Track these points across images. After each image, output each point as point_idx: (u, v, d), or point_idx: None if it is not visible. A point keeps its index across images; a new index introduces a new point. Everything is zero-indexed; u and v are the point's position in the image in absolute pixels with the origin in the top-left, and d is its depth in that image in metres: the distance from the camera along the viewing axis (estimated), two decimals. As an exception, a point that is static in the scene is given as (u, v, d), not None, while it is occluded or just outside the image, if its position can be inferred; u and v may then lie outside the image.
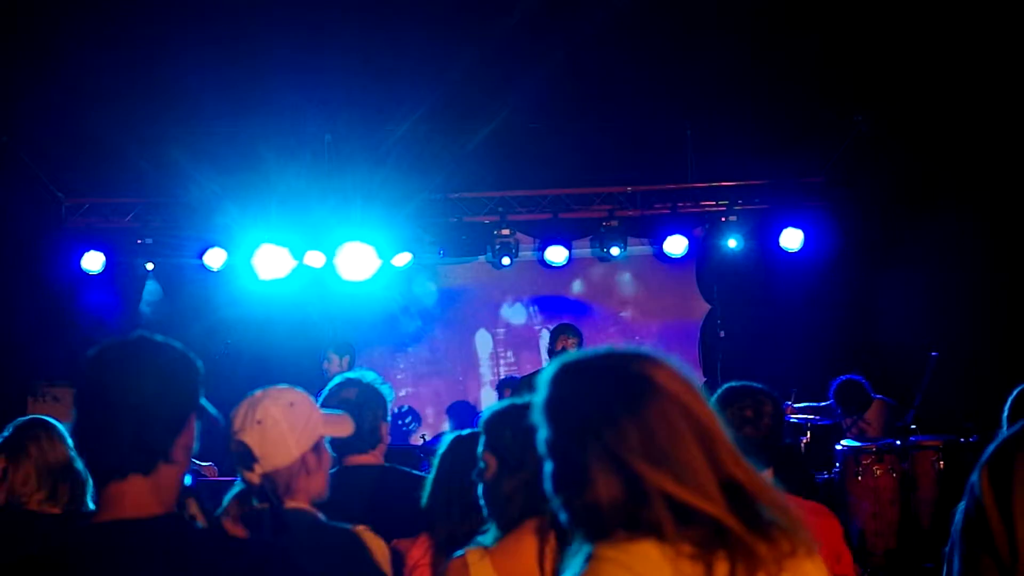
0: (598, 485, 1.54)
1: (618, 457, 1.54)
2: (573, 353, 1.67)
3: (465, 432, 2.90)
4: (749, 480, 1.59)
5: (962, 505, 2.07)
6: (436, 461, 2.82)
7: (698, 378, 1.67)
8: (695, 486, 1.54)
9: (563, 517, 1.60)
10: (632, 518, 1.53)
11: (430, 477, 2.81)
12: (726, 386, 3.06)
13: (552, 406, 1.63)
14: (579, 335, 7.16)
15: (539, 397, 1.64)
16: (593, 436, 1.56)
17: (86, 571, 1.74)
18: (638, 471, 1.53)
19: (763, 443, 2.84)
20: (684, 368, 1.66)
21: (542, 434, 1.63)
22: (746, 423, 2.94)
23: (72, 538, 1.84)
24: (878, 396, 7.76)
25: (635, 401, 1.57)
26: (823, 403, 7.89)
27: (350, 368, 6.99)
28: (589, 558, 1.55)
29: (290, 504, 2.36)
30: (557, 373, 1.65)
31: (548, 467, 1.61)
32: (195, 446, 1.90)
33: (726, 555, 1.53)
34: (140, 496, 1.79)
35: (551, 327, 9.92)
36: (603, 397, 1.59)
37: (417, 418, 9.53)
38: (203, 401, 1.94)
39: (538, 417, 1.64)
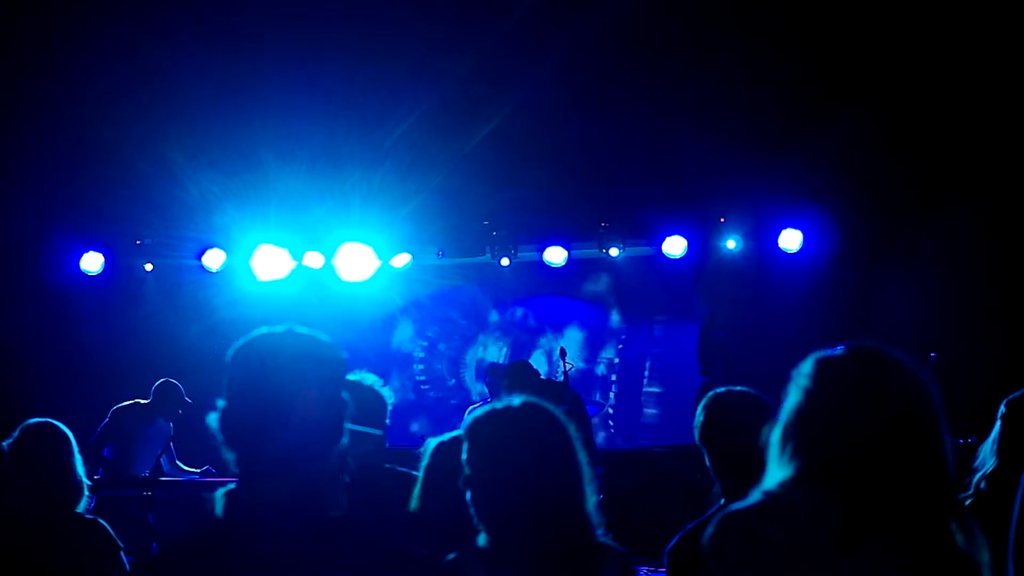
0: None
1: None
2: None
3: (447, 437, 2.92)
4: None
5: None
6: (422, 471, 2.83)
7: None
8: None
9: None
10: None
11: (418, 485, 2.81)
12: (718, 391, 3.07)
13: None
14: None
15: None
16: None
17: (235, 561, 1.73)
18: None
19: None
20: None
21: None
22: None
23: (224, 529, 1.81)
24: None
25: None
26: None
27: None
28: None
29: None
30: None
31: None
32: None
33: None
34: (294, 495, 1.77)
35: (552, 327, 9.97)
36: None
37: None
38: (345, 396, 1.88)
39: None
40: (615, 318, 9.98)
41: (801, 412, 1.88)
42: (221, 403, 1.81)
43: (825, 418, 1.85)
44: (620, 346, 9.96)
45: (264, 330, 1.85)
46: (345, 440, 1.85)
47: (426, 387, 9.98)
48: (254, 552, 1.72)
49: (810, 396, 1.89)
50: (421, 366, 10.01)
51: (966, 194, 7.95)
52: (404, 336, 9.99)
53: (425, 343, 10.05)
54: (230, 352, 1.82)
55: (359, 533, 1.77)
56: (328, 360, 1.84)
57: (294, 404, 1.75)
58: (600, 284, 9.97)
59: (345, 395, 1.87)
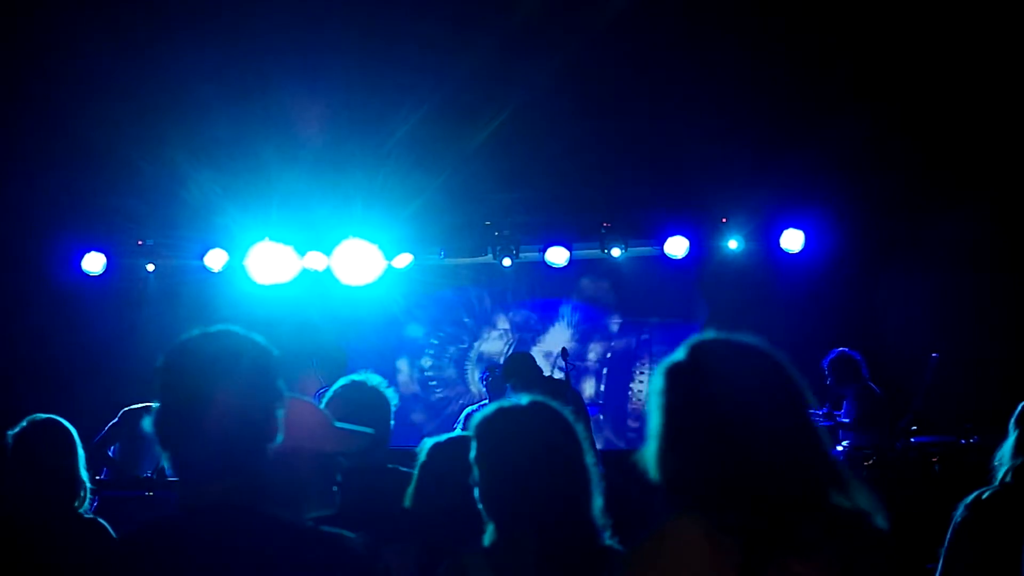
0: None
1: None
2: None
3: (443, 438, 2.92)
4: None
5: None
6: (417, 469, 2.83)
7: None
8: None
9: None
10: None
11: (412, 483, 2.81)
12: None
13: None
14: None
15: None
16: None
17: (169, 556, 1.75)
18: None
19: None
20: None
21: None
22: None
23: (160, 524, 1.85)
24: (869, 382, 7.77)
25: None
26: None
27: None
28: None
29: None
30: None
31: None
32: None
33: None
34: (227, 490, 1.79)
35: (553, 327, 9.96)
36: None
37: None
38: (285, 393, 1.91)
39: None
40: (617, 318, 9.97)
41: (669, 432, 1.77)
42: (155, 404, 1.85)
43: (692, 434, 1.73)
44: (622, 346, 9.95)
45: (197, 331, 1.88)
46: (280, 438, 1.87)
47: (433, 383, 9.99)
48: (186, 549, 1.74)
49: (672, 412, 1.77)
50: (430, 362, 10.01)
51: (969, 194, 7.94)
52: (415, 334, 10.00)
53: (436, 342, 10.06)
54: (163, 354, 1.85)
55: (299, 534, 1.79)
56: (256, 359, 1.87)
57: (215, 403, 1.78)
58: (602, 285, 9.97)
59: (279, 392, 1.89)
